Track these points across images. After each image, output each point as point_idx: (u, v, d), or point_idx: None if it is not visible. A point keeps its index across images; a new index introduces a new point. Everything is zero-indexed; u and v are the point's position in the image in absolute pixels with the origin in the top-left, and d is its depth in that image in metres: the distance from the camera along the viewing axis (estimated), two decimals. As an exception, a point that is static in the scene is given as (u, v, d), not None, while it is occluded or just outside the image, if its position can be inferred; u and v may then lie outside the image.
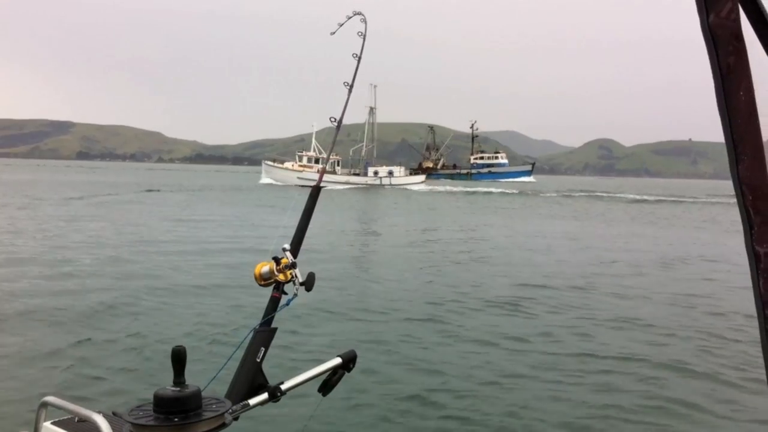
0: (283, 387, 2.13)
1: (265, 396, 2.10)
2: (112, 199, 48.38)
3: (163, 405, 1.72)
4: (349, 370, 2.30)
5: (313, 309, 12.61)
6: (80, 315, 12.18)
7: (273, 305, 2.30)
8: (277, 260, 2.28)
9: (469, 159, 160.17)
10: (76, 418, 2.04)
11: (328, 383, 2.27)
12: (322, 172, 2.77)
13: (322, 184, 2.57)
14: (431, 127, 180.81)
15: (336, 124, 2.66)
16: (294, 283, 2.26)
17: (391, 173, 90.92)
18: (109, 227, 28.31)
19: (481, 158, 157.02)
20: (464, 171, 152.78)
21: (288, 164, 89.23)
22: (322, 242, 24.02)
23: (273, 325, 2.28)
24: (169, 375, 1.77)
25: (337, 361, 2.27)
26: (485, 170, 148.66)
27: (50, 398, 1.91)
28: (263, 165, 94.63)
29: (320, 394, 2.28)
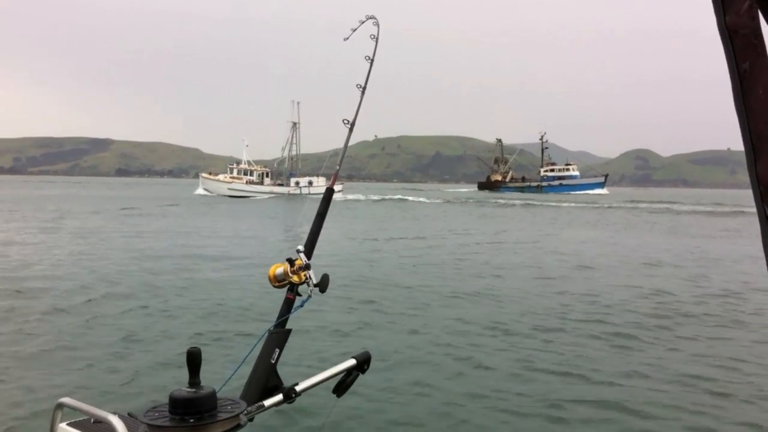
0: (298, 388, 2.13)
1: (279, 397, 2.10)
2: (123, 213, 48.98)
3: (178, 406, 1.74)
4: (363, 371, 2.29)
5: (327, 310, 12.67)
6: (94, 318, 12.42)
7: (287, 307, 2.31)
8: (291, 261, 2.29)
9: (539, 171, 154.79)
10: (92, 420, 2.05)
11: (342, 384, 2.26)
12: (335, 176, 2.78)
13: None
14: (499, 140, 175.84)
15: (349, 126, 2.67)
16: (308, 285, 2.27)
17: (310, 183, 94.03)
18: (118, 236, 29.12)
19: (552, 170, 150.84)
20: (534, 183, 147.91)
21: (221, 176, 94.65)
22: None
23: (287, 327, 2.29)
24: (184, 376, 1.79)
25: (352, 362, 2.27)
26: (556, 182, 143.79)
27: (66, 399, 1.93)
28: (200, 177, 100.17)
29: (335, 396, 2.28)
